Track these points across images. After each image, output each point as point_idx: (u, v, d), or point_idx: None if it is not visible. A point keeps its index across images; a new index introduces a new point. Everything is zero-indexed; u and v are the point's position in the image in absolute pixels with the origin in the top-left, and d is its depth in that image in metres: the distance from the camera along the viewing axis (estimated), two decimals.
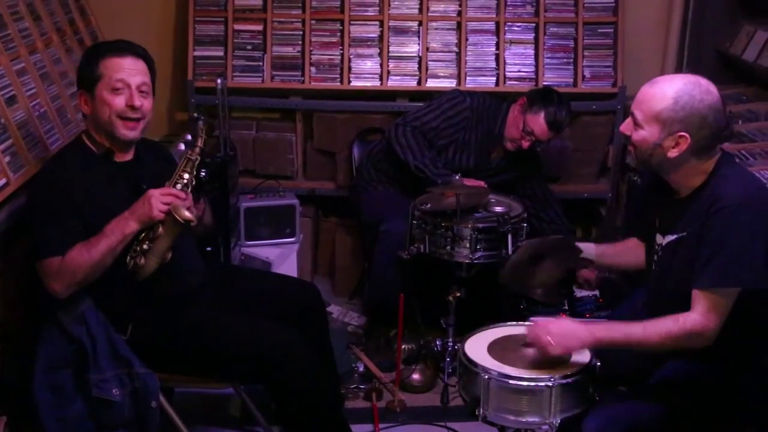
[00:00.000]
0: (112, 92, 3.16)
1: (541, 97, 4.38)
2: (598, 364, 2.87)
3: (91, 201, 3.11)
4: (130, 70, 3.21)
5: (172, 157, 3.52)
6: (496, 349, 2.99)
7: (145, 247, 3.06)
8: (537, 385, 2.79)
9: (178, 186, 3.13)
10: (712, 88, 2.75)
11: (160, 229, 3.04)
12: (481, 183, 4.24)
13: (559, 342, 2.80)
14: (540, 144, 4.43)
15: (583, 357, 2.92)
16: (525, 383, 2.80)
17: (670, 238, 2.87)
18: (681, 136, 2.71)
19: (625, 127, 2.86)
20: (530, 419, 2.83)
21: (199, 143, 3.24)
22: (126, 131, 3.19)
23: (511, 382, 2.81)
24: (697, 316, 2.68)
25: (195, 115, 3.35)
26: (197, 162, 3.20)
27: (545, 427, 2.81)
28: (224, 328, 3.21)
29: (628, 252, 3.28)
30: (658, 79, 2.80)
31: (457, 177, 4.07)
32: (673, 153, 2.74)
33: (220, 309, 3.33)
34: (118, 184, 3.21)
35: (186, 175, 3.16)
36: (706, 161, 2.77)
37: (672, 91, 2.72)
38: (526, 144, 4.36)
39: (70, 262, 3.02)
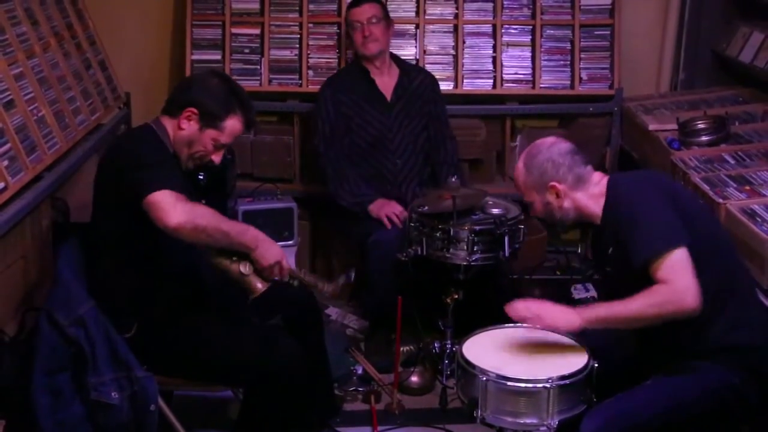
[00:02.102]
0: (215, 147, 3.27)
1: None
2: (596, 365, 2.87)
3: None
4: (236, 137, 3.34)
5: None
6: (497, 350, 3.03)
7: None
8: (535, 387, 2.79)
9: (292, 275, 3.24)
10: (556, 139, 3.11)
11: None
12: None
13: (543, 315, 2.91)
14: (379, 23, 4.49)
15: (581, 359, 2.92)
16: (523, 384, 2.80)
17: (610, 250, 2.99)
18: (551, 186, 3.02)
19: (531, 210, 3.18)
20: (528, 420, 2.83)
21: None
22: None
23: (509, 383, 2.81)
24: (661, 284, 2.75)
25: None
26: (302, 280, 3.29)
27: (543, 428, 2.81)
28: (223, 335, 3.20)
29: None
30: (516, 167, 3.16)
31: (454, 179, 4.07)
32: (560, 202, 3.04)
33: (221, 313, 3.32)
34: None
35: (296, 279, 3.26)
36: (594, 188, 3.03)
37: (521, 163, 3.10)
38: (367, 31, 4.45)
39: (200, 208, 3.05)
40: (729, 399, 2.86)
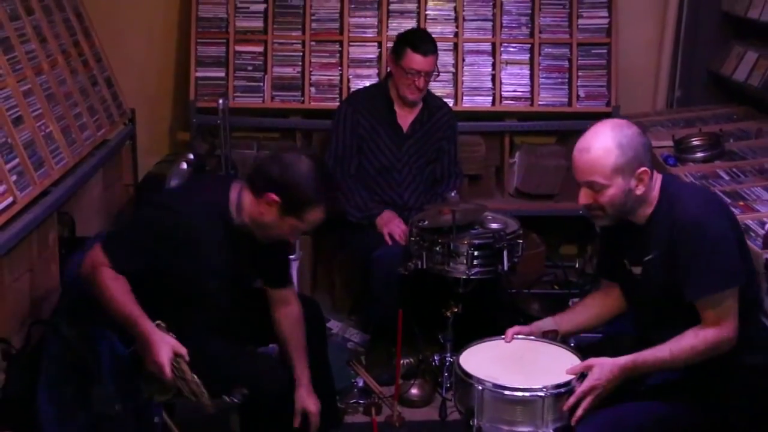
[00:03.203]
0: (292, 233, 3.16)
1: (399, 40, 4.43)
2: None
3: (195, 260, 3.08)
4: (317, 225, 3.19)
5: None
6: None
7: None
8: (531, 395, 2.78)
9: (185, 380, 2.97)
10: (625, 122, 2.86)
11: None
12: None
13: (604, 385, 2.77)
14: (430, 75, 4.40)
15: (572, 363, 2.92)
16: (519, 393, 2.79)
17: (641, 265, 2.90)
18: (642, 172, 2.76)
19: (585, 198, 2.86)
20: (524, 429, 2.82)
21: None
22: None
23: (505, 392, 2.80)
24: (710, 327, 2.70)
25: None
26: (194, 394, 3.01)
27: None
28: (223, 353, 3.16)
29: (588, 307, 3.23)
30: (588, 143, 2.80)
31: (453, 194, 4.08)
32: (640, 189, 2.78)
33: (225, 333, 3.27)
34: (232, 253, 3.16)
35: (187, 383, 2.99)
36: (653, 185, 2.82)
37: (611, 142, 2.75)
38: (420, 82, 4.35)
39: (107, 281, 2.93)
40: (720, 401, 2.85)
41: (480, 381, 2.84)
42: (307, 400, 3.33)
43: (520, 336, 3.12)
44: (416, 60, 4.30)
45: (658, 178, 2.84)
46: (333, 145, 4.48)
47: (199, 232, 3.04)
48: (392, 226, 4.28)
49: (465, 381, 2.89)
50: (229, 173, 4.51)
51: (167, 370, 2.86)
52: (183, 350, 2.92)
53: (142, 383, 3.08)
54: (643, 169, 2.75)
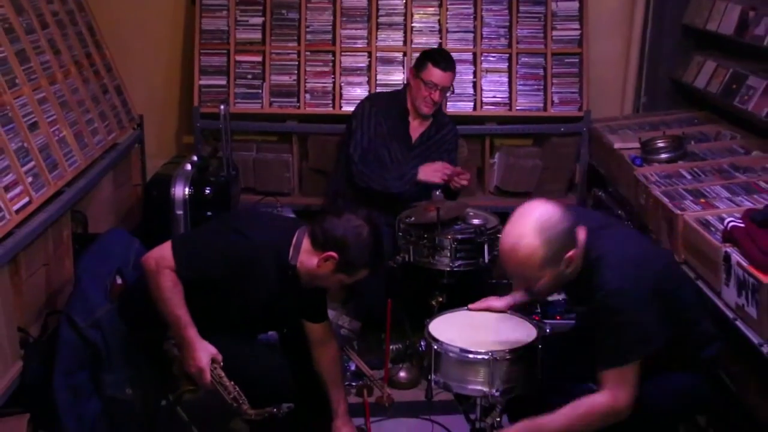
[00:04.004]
0: (337, 285, 3.22)
1: (422, 55, 4.43)
2: (540, 347, 2.91)
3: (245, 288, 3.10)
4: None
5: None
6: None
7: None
8: (476, 357, 2.89)
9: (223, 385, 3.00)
10: (543, 203, 2.66)
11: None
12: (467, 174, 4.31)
13: None
14: (445, 91, 4.38)
15: (528, 336, 2.98)
16: (470, 355, 2.91)
17: (579, 313, 2.99)
18: (570, 256, 2.63)
19: (518, 286, 2.96)
20: (472, 387, 2.93)
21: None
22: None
23: (451, 353, 2.94)
24: (604, 398, 2.63)
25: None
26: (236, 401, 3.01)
27: (487, 394, 2.90)
28: (226, 350, 3.07)
29: None
30: (513, 244, 2.62)
31: (438, 192, 4.06)
32: (571, 268, 2.67)
33: (231, 334, 3.22)
34: (278, 290, 3.17)
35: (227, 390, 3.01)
36: (579, 247, 2.67)
37: (536, 240, 2.58)
38: (436, 95, 4.33)
39: (167, 284, 2.96)
40: (690, 398, 2.87)
41: (438, 342, 2.97)
42: (342, 429, 3.38)
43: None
44: (435, 74, 4.30)
45: (582, 233, 2.68)
46: (358, 139, 4.40)
47: (260, 266, 3.07)
48: (430, 172, 4.27)
49: (429, 342, 3.02)
50: (230, 174, 4.50)
51: (207, 374, 2.93)
52: (220, 357, 2.97)
53: (180, 381, 3.10)
54: (570, 253, 2.63)
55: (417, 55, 4.96)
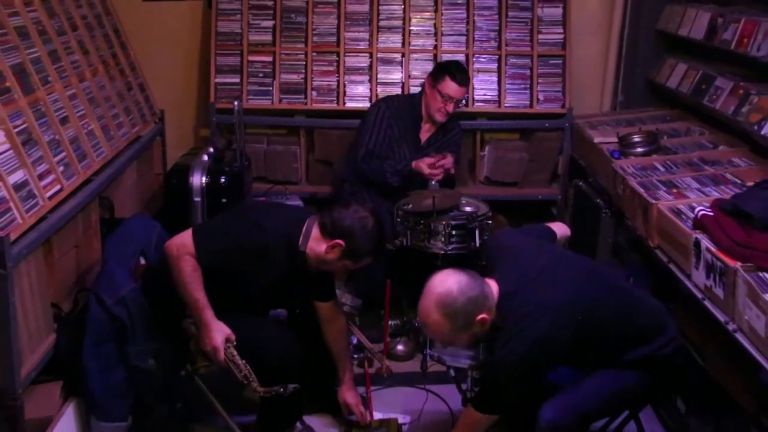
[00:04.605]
0: (343, 270, 3.29)
1: (439, 67, 4.41)
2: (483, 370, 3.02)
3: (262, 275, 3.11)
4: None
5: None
6: None
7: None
8: None
9: (236, 363, 3.01)
10: (454, 276, 2.67)
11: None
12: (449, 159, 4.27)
13: None
14: (459, 103, 4.38)
15: None
16: None
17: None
18: (480, 319, 2.65)
19: (452, 360, 3.14)
20: (463, 360, 3.05)
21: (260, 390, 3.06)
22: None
23: None
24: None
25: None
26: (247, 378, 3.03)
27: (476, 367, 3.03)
28: (237, 327, 3.08)
29: None
30: (424, 318, 2.70)
31: (434, 183, 4.05)
32: (486, 326, 2.68)
33: (244, 314, 3.24)
34: (287, 275, 3.19)
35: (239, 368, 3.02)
36: (492, 305, 2.68)
37: (440, 317, 2.64)
38: (450, 107, 4.32)
39: (187, 269, 2.97)
40: (655, 384, 2.89)
41: None
42: (347, 394, 3.44)
43: None
44: (452, 87, 4.28)
45: (494, 287, 2.70)
46: (365, 139, 4.40)
47: (272, 253, 3.09)
48: (423, 165, 4.23)
49: None
50: (243, 164, 4.49)
51: (221, 353, 2.96)
52: (233, 337, 3.00)
53: (195, 357, 3.11)
54: (481, 317, 2.65)
55: (415, 56, 5.01)
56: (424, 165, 4.23)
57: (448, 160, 4.24)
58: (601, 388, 2.80)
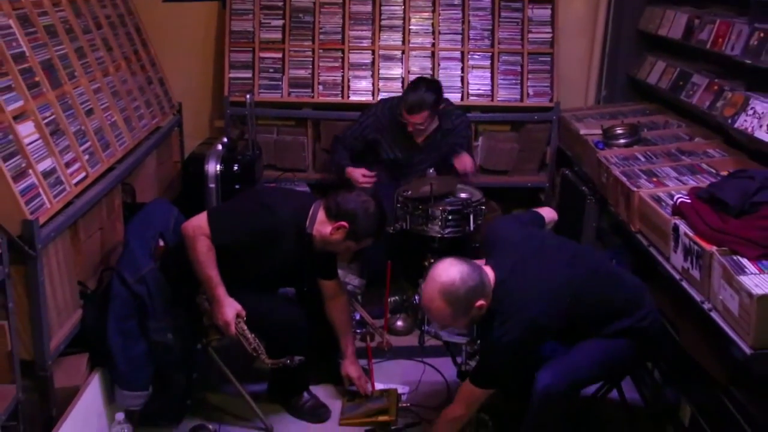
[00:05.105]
0: (346, 251, 3.27)
1: (406, 90, 4.35)
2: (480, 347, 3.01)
3: (272, 255, 3.10)
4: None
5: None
6: None
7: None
8: None
9: (245, 337, 3.02)
10: (455, 265, 2.69)
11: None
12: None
13: None
14: (425, 123, 4.26)
15: None
16: None
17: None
18: (478, 306, 2.68)
19: (449, 336, 3.10)
20: (458, 336, 3.02)
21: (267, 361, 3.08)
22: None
23: None
24: (456, 407, 2.86)
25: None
26: (256, 351, 3.05)
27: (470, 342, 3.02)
28: (249, 301, 3.10)
29: None
30: (427, 303, 2.73)
31: (431, 171, 4.03)
32: (483, 310, 2.71)
33: (257, 289, 3.24)
34: (294, 254, 3.18)
35: (248, 341, 3.03)
36: (489, 292, 2.72)
37: (442, 303, 2.67)
38: (410, 127, 4.28)
39: (202, 249, 2.98)
40: (639, 351, 2.90)
41: None
42: (349, 368, 3.44)
43: None
44: (407, 117, 4.24)
45: (488, 272, 2.74)
46: (352, 130, 4.47)
47: (281, 235, 3.10)
48: (357, 174, 4.31)
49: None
50: (255, 153, 4.47)
51: (232, 327, 2.97)
52: (243, 313, 2.99)
53: (208, 331, 3.11)
54: (478, 303, 2.68)
55: (414, 53, 4.98)
56: (358, 174, 4.32)
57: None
58: (592, 355, 2.81)
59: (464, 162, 4.33)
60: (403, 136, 4.37)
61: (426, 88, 4.24)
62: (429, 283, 2.73)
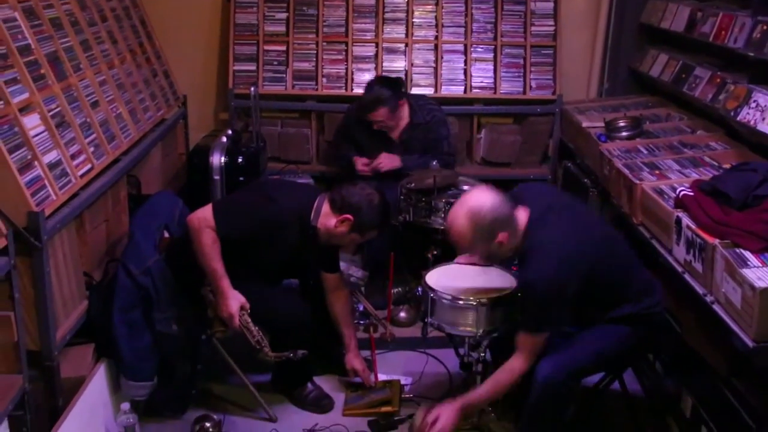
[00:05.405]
0: (351, 243, 3.27)
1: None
2: (519, 294, 2.90)
3: (274, 245, 3.10)
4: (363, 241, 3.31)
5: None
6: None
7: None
8: (465, 304, 2.90)
9: (249, 330, 3.03)
10: (485, 193, 2.70)
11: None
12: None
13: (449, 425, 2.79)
14: (388, 119, 4.25)
15: (509, 285, 2.98)
16: (461, 302, 2.92)
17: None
18: (501, 238, 2.68)
19: (466, 260, 3.03)
20: (462, 329, 2.94)
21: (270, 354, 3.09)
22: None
23: (444, 300, 2.95)
24: (517, 359, 2.73)
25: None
26: (259, 344, 3.06)
27: (474, 334, 2.93)
28: (253, 293, 3.10)
29: None
30: (451, 223, 2.73)
31: (434, 163, 4.02)
32: (504, 248, 2.71)
33: (260, 281, 3.23)
34: (298, 247, 3.18)
35: (252, 334, 3.04)
36: (519, 227, 2.71)
37: (467, 225, 2.66)
38: (375, 126, 4.27)
39: (207, 241, 2.97)
40: (640, 341, 2.88)
41: (433, 291, 2.97)
42: (353, 361, 3.43)
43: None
44: (367, 116, 4.25)
45: (523, 216, 2.72)
46: (338, 134, 4.54)
47: (286, 227, 3.09)
48: (358, 163, 4.31)
49: (426, 291, 3.02)
50: (259, 145, 4.45)
51: (236, 320, 2.97)
52: (247, 305, 2.99)
53: (212, 322, 3.10)
54: (501, 236, 2.67)
55: (417, 45, 4.96)
56: (359, 163, 4.32)
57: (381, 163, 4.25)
58: (593, 346, 2.80)
59: (382, 161, 4.26)
60: (378, 135, 4.35)
61: (380, 85, 4.26)
62: (459, 203, 2.73)
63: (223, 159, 4.15)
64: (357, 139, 4.41)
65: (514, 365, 2.74)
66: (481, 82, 5.00)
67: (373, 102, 4.22)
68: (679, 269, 2.94)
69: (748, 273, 2.47)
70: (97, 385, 2.99)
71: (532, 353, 2.72)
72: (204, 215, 3.01)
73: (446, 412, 2.78)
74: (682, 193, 3.05)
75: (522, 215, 2.72)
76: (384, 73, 4.93)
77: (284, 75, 5.00)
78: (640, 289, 2.84)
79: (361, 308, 3.99)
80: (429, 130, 4.38)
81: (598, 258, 2.72)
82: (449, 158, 4.38)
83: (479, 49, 5.01)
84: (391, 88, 4.25)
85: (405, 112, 4.35)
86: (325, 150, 5.11)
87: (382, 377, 3.53)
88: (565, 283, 2.64)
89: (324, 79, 5.00)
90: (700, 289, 2.77)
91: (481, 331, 2.91)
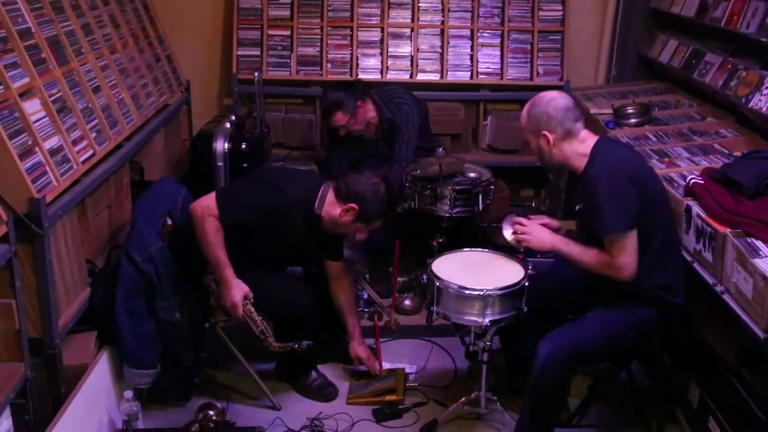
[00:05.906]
0: (356, 232, 3.30)
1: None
2: (527, 284, 2.91)
3: (280, 234, 3.08)
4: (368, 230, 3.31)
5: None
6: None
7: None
8: (471, 293, 2.87)
9: (253, 319, 3.02)
10: (557, 95, 2.87)
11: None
12: None
13: (535, 236, 2.93)
14: (350, 122, 4.17)
15: (516, 274, 2.95)
16: (467, 291, 2.89)
17: (578, 207, 2.94)
18: (543, 135, 2.80)
19: (456, 318, 2.97)
20: (468, 318, 2.91)
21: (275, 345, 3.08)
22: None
23: (450, 289, 2.92)
24: (608, 256, 2.72)
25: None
26: (263, 334, 3.05)
27: (480, 324, 2.90)
28: (258, 281, 3.08)
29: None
30: (524, 108, 2.91)
31: (440, 150, 3.98)
32: (549, 148, 2.83)
33: (263, 269, 3.21)
34: (303, 235, 3.16)
35: (256, 323, 3.03)
36: (579, 145, 2.81)
37: (525, 111, 2.87)
38: (341, 132, 4.22)
39: (210, 230, 2.95)
40: (649, 328, 2.85)
41: (439, 279, 2.94)
42: (358, 349, 3.42)
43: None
44: (331, 126, 4.21)
45: (590, 140, 2.81)
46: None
47: (290, 215, 3.06)
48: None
49: (431, 279, 3.00)
50: (263, 131, 4.42)
51: (239, 309, 2.95)
52: (251, 294, 2.97)
53: (215, 311, 3.08)
54: (543, 132, 2.80)
55: (423, 31, 4.91)
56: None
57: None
58: (598, 331, 2.79)
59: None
60: (356, 138, 4.30)
61: (332, 90, 4.21)
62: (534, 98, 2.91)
63: (226, 145, 4.12)
64: (345, 147, 4.35)
65: (604, 255, 2.74)
66: (488, 67, 4.96)
67: (326, 110, 4.19)
68: (689, 259, 2.91)
69: (760, 263, 2.44)
70: (100, 372, 2.98)
71: (629, 250, 2.69)
72: (207, 203, 2.98)
73: (540, 232, 2.93)
74: (693, 181, 3.01)
75: (589, 136, 2.82)
76: (390, 59, 4.90)
77: (288, 60, 4.96)
78: (675, 276, 2.82)
79: (366, 296, 3.97)
80: (392, 131, 4.27)
81: (655, 192, 2.78)
82: (406, 150, 4.20)
83: (486, 35, 4.97)
84: (344, 89, 4.19)
85: (369, 110, 4.26)
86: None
87: (386, 365, 3.52)
88: (622, 183, 2.68)
89: (329, 65, 4.96)
90: (709, 279, 2.74)
91: (487, 320, 2.88)
